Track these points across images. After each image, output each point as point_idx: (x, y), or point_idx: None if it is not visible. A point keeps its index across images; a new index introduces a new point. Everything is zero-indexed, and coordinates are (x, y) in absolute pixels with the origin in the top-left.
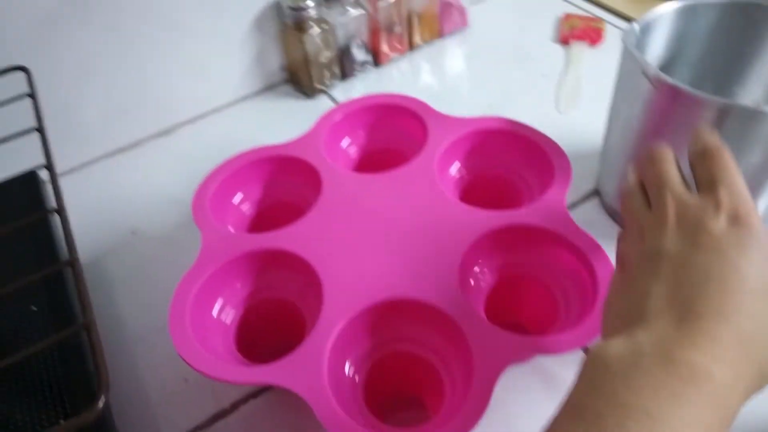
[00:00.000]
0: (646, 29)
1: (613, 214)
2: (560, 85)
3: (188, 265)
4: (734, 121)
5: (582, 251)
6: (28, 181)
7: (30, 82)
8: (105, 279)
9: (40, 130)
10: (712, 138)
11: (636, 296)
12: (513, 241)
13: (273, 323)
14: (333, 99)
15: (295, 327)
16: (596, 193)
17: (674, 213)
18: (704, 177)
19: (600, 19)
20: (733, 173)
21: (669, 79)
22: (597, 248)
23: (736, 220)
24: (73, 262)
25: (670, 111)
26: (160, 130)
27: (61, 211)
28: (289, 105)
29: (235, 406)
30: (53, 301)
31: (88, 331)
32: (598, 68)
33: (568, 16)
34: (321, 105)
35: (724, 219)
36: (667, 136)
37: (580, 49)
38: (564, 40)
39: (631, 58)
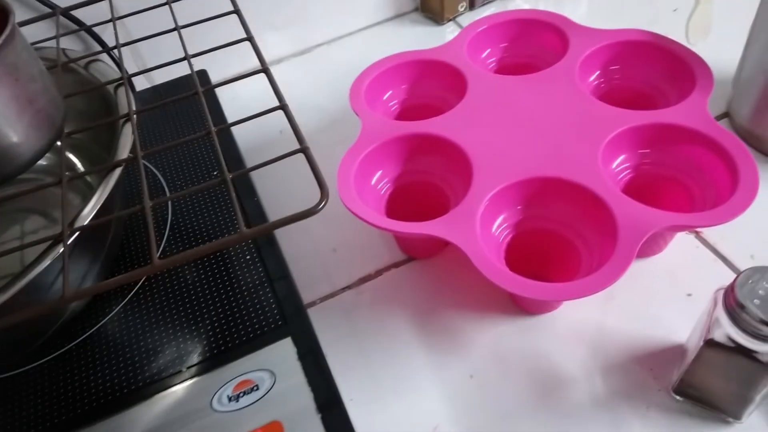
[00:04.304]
0: None
1: (743, 135)
2: (691, 17)
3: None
4: None
5: (724, 147)
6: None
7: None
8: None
9: (250, 39)
10: None
11: None
12: (653, 139)
13: (416, 203)
14: (461, 27)
15: (437, 206)
16: (726, 115)
17: None
18: None
19: None
20: None
21: None
22: (739, 146)
23: None
24: (284, 105)
25: None
26: (298, 50)
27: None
28: (419, 31)
29: (379, 273)
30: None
31: (306, 154)
32: (730, 4)
33: None
34: (450, 33)
35: None
36: None
37: None
38: None
39: None
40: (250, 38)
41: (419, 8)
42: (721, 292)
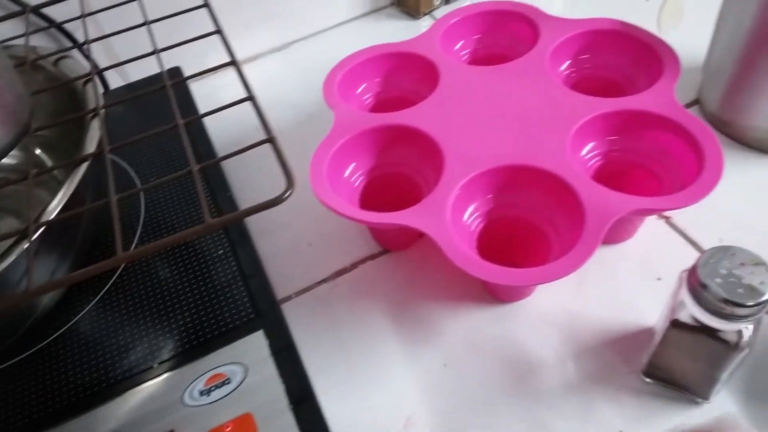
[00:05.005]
0: None
1: (713, 122)
2: (662, 7)
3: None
4: None
5: (688, 131)
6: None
7: None
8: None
9: (219, 32)
10: None
11: None
12: (621, 126)
13: (390, 195)
14: None
15: (410, 199)
16: (697, 102)
17: None
18: None
19: None
20: None
21: None
22: (703, 128)
23: None
24: (251, 96)
25: None
26: (276, 46)
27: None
28: (395, 26)
29: (354, 266)
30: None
31: (273, 143)
32: None
33: None
34: (426, 27)
35: None
36: None
37: None
38: None
39: None
40: (219, 31)
41: (395, 3)
42: (686, 273)
